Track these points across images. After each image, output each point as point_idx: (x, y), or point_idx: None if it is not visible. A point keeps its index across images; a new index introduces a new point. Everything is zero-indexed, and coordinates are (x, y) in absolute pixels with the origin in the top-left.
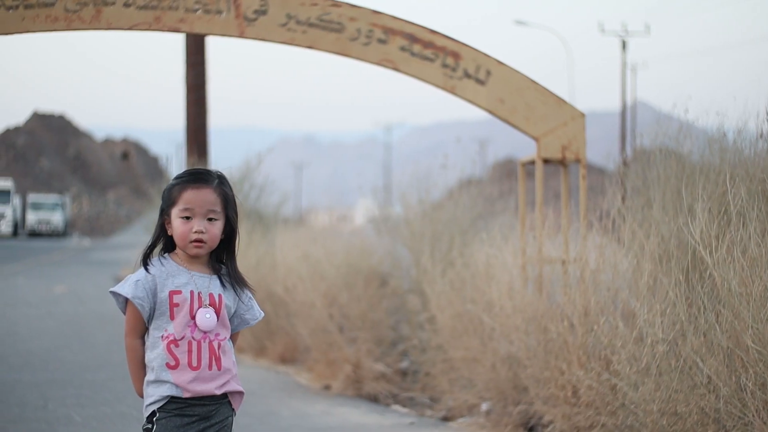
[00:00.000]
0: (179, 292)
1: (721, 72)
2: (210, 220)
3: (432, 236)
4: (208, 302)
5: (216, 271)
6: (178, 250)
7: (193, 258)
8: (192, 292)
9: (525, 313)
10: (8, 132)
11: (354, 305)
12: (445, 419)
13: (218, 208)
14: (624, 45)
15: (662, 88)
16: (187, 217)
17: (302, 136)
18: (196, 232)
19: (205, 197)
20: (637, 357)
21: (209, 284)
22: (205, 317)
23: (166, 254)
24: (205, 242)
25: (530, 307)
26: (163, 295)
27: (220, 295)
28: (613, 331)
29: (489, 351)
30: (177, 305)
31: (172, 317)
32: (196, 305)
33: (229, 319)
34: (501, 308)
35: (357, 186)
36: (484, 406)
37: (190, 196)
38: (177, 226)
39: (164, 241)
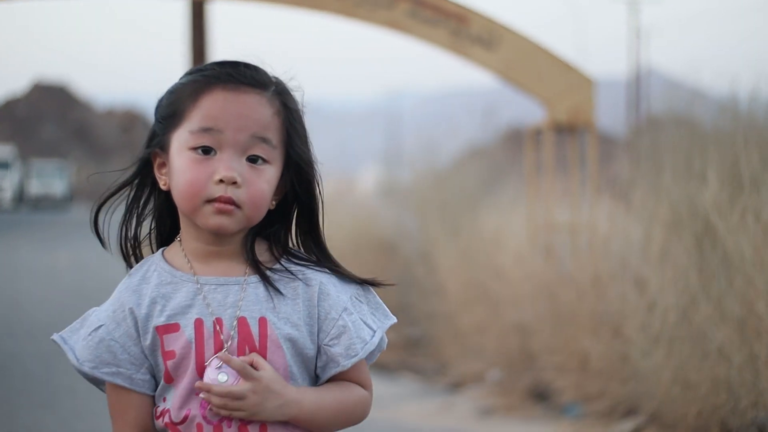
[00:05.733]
0: (174, 327)
1: (734, 36)
2: (253, 160)
3: (440, 203)
4: (234, 340)
5: (258, 268)
6: (180, 239)
7: (211, 243)
8: (200, 324)
9: (534, 281)
10: (9, 103)
11: (362, 274)
12: (454, 387)
13: (273, 137)
14: (633, 10)
15: (672, 54)
16: (206, 150)
17: (306, 104)
18: (221, 180)
19: (248, 111)
20: (648, 325)
21: (240, 297)
22: (217, 379)
23: (160, 250)
24: (239, 204)
25: (539, 275)
26: (147, 338)
27: (264, 321)
28: (623, 298)
29: (498, 319)
30: (171, 356)
31: (168, 380)
32: (209, 351)
33: (303, 360)
34: (510, 276)
35: (364, 154)
36: (493, 374)
37: (216, 105)
38: (182, 168)
39: (156, 212)
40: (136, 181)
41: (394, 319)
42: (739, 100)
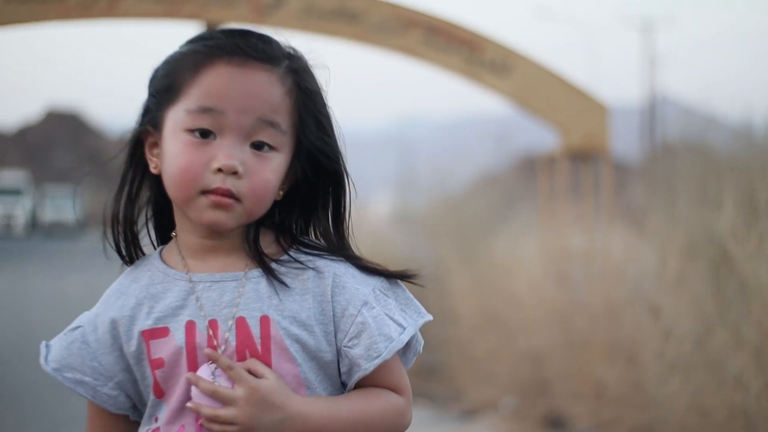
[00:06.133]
0: (162, 332)
1: (749, 59)
2: (258, 147)
3: (454, 230)
4: (231, 344)
5: (261, 260)
6: (175, 234)
7: (206, 237)
8: (191, 327)
9: (547, 307)
10: (22, 130)
11: None
12: (468, 414)
13: (283, 120)
14: (647, 36)
15: (686, 79)
16: (204, 133)
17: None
18: (219, 169)
19: (255, 90)
20: (664, 352)
21: (237, 294)
22: (205, 389)
23: (159, 248)
24: (238, 197)
25: (553, 301)
26: (132, 345)
27: (266, 320)
28: (638, 325)
29: (511, 345)
30: (159, 364)
31: (158, 393)
32: (203, 358)
33: (320, 366)
34: (523, 302)
35: (375, 181)
36: (507, 401)
37: (218, 82)
38: (176, 152)
39: (150, 200)
40: (134, 173)
41: (430, 317)
42: (754, 126)
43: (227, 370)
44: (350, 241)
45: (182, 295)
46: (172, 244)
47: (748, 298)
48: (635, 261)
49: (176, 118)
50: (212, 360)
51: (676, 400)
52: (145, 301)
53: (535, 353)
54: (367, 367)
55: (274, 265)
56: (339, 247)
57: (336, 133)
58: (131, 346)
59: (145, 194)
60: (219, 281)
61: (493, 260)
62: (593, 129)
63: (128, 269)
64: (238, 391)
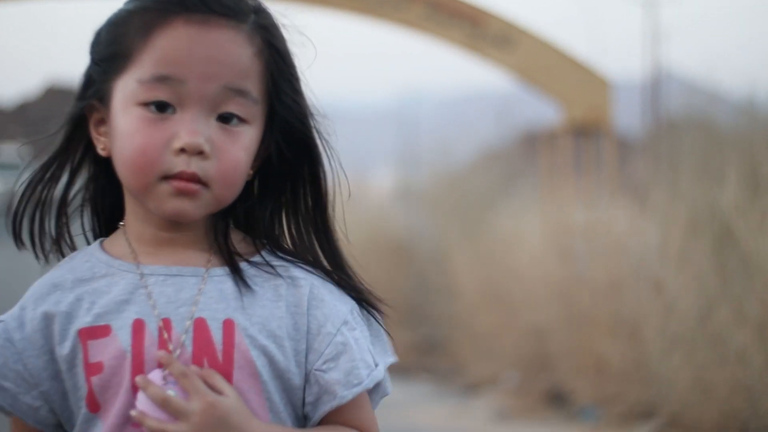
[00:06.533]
0: (102, 330)
1: (753, 35)
2: (226, 120)
3: (456, 206)
4: (187, 349)
5: (228, 258)
6: (123, 224)
7: (164, 228)
8: (139, 326)
9: (550, 283)
10: (22, 105)
11: (379, 276)
12: (470, 389)
13: (253, 87)
14: (650, 10)
15: (690, 54)
16: (161, 106)
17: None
18: (182, 149)
19: (219, 52)
20: (666, 327)
21: (198, 292)
22: (155, 396)
23: (98, 240)
24: (205, 181)
25: (555, 277)
26: (65, 346)
27: (230, 324)
28: (641, 301)
29: (514, 321)
30: (97, 370)
31: (93, 407)
32: (151, 363)
33: (286, 389)
34: (526, 278)
35: (376, 155)
36: (509, 377)
37: (175, 45)
38: (128, 130)
39: (91, 187)
40: (65, 143)
41: (395, 359)
42: (757, 101)
43: (181, 377)
44: (337, 233)
45: (129, 288)
46: (117, 235)
47: (751, 273)
48: (638, 236)
49: (127, 90)
50: (164, 364)
51: (678, 375)
52: (86, 296)
53: (537, 329)
54: (344, 395)
55: (243, 266)
56: (329, 260)
57: (308, 102)
58: (65, 348)
59: (82, 178)
60: (176, 275)
61: (496, 236)
62: (595, 103)
63: (63, 261)
64: (193, 405)
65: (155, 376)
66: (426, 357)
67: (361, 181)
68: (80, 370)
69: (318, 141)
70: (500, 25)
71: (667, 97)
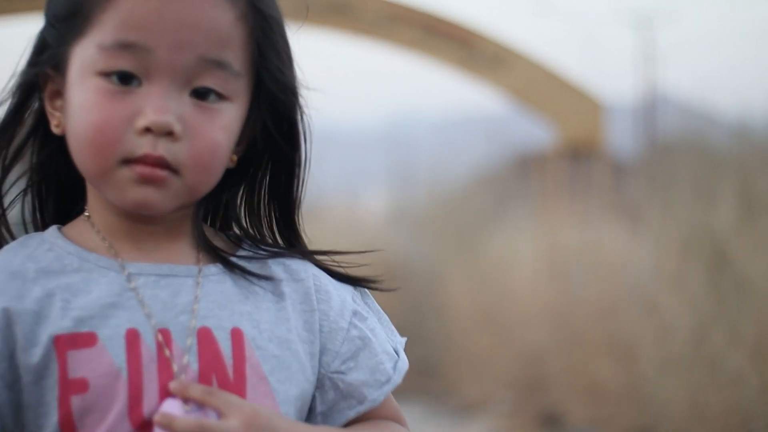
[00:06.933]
0: (86, 339)
1: (748, 56)
2: (202, 95)
3: (450, 227)
4: (192, 366)
5: (217, 254)
6: (87, 214)
7: (135, 220)
8: (134, 337)
9: (544, 304)
10: None
11: (373, 297)
12: (464, 410)
13: (235, 58)
14: (645, 32)
15: (684, 76)
16: (124, 77)
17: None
18: (148, 129)
19: (193, 16)
20: (661, 348)
21: (196, 296)
22: (187, 428)
23: (52, 227)
24: (175, 167)
25: (549, 298)
26: (34, 354)
27: (239, 335)
28: (635, 322)
29: (508, 342)
30: (80, 388)
31: (66, 430)
32: (151, 384)
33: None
34: (520, 299)
35: (368, 177)
36: (503, 398)
37: (141, 6)
38: (85, 104)
39: (37, 169)
40: (12, 115)
41: (404, 338)
42: (751, 124)
43: (207, 397)
44: (301, 234)
45: (114, 289)
46: (79, 224)
47: (746, 295)
48: (632, 258)
49: (85, 57)
50: (181, 393)
51: (673, 397)
52: (58, 291)
53: (531, 350)
54: (375, 397)
55: (234, 259)
56: (292, 243)
57: (297, 77)
58: (33, 356)
59: (26, 157)
60: (168, 275)
61: (489, 258)
62: (589, 125)
63: (8, 246)
64: (231, 422)
65: (172, 407)
66: (420, 378)
67: (354, 202)
68: (52, 384)
69: (300, 123)
70: (493, 47)
71: (661, 119)
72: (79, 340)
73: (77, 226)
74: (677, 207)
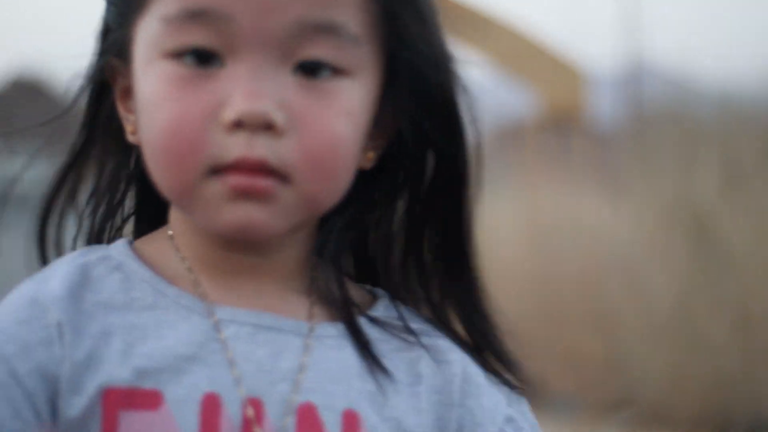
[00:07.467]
0: (149, 398)
1: (731, 26)
2: (310, 70)
3: None
4: None
5: (343, 309)
6: (170, 232)
7: (235, 249)
8: (212, 404)
9: (524, 276)
10: None
11: None
12: None
13: (352, 19)
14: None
15: (667, 48)
16: (202, 55)
17: None
18: (237, 122)
19: None
20: (643, 321)
21: (303, 363)
22: None
23: (122, 240)
24: (283, 172)
25: (529, 270)
26: (75, 405)
27: (353, 418)
28: (617, 293)
29: None
30: None
31: None
32: None
33: None
34: (499, 271)
35: None
36: None
37: None
38: (153, 96)
39: (112, 166)
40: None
41: None
42: (734, 95)
43: None
44: (482, 279)
45: (197, 338)
46: (157, 241)
47: (728, 265)
48: (614, 229)
49: (149, 36)
50: None
51: (654, 367)
52: (118, 331)
53: (511, 320)
54: None
55: (363, 320)
56: (466, 305)
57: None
58: (72, 407)
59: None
60: (270, 329)
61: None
62: (571, 95)
63: (65, 260)
64: None
65: None
66: None
67: None
68: None
69: (459, 108)
70: (472, 14)
71: (645, 89)
72: (137, 398)
73: (156, 242)
74: (659, 177)
